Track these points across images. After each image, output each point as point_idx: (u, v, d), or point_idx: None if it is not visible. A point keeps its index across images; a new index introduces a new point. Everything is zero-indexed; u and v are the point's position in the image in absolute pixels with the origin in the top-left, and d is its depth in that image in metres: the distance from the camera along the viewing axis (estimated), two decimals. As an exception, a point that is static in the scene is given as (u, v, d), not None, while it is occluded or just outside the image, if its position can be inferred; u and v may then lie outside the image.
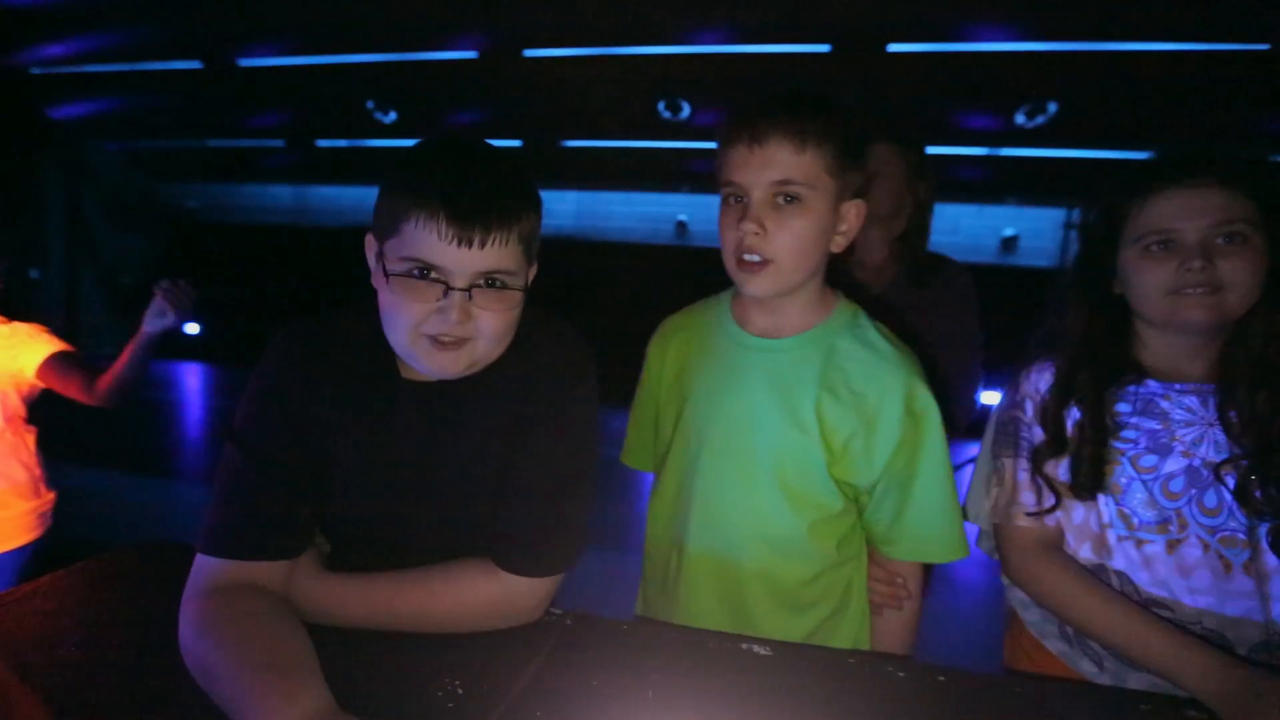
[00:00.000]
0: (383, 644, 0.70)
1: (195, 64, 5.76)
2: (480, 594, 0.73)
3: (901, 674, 0.69)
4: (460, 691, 0.64)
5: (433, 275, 0.67)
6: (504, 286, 0.70)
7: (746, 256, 0.83)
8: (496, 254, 0.68)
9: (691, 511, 0.92)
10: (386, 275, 0.69)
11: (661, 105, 5.41)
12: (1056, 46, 4.24)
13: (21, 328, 1.59)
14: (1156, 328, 0.87)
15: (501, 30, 4.93)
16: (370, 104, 6.02)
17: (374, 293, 0.73)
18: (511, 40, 5.04)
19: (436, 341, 0.69)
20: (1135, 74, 4.29)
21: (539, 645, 0.71)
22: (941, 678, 0.69)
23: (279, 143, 7.48)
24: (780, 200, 0.81)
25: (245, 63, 5.67)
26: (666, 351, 1.00)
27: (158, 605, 0.72)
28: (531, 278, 0.76)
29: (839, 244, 0.87)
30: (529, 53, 5.13)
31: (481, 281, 0.68)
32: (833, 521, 0.90)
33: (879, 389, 0.85)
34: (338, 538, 0.79)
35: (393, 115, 6.09)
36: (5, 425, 1.57)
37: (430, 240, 0.66)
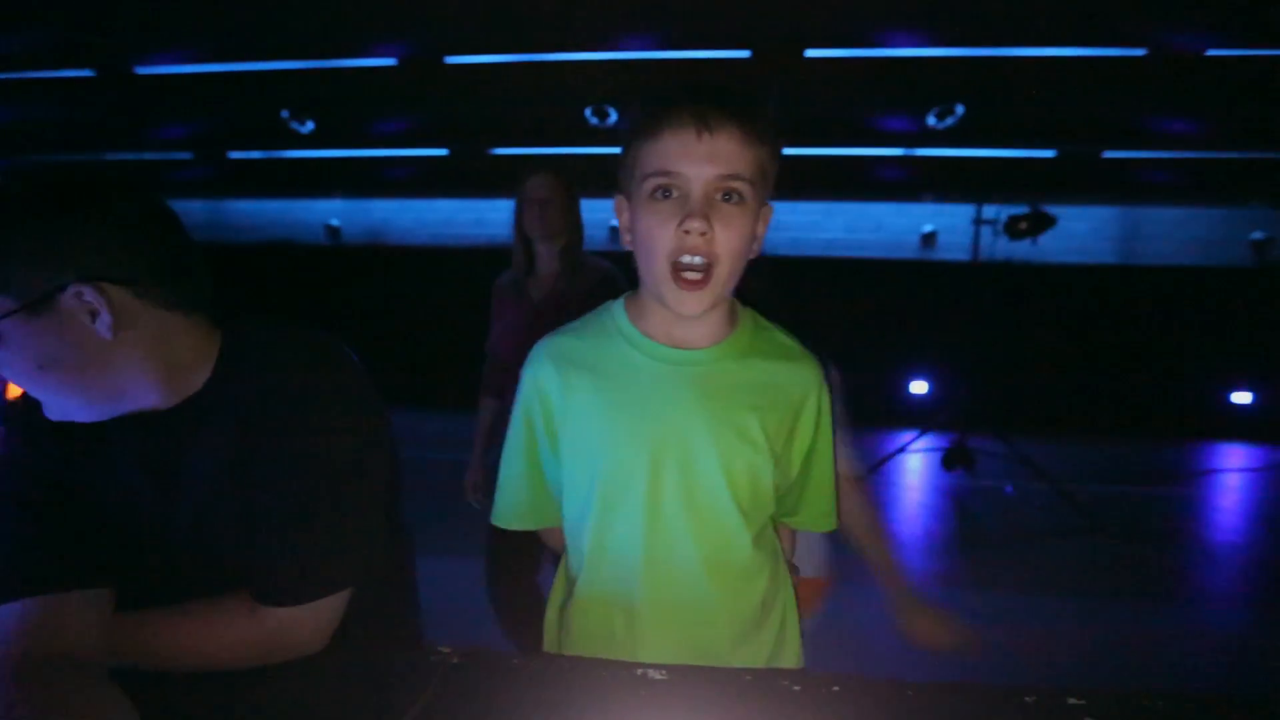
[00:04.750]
0: (236, 688, 0.64)
1: (87, 72, 5.36)
2: (237, 633, 0.67)
3: (797, 688, 0.68)
4: (325, 751, 0.58)
5: None
6: None
7: (686, 259, 0.74)
8: None
9: (638, 559, 0.81)
10: None
11: (589, 112, 5.37)
12: (961, 52, 4.46)
13: None
14: None
15: (422, 37, 4.79)
16: (285, 113, 5.73)
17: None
18: (433, 47, 4.91)
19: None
20: (1030, 77, 4.57)
21: (418, 689, 0.67)
22: (836, 687, 0.68)
23: (187, 155, 7.05)
24: (719, 198, 0.74)
25: (143, 70, 5.30)
26: (560, 379, 0.84)
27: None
28: None
29: (754, 250, 0.80)
30: (451, 59, 5.01)
31: None
32: (766, 526, 0.88)
33: (801, 389, 0.84)
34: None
35: (310, 125, 5.82)
36: None
37: None
